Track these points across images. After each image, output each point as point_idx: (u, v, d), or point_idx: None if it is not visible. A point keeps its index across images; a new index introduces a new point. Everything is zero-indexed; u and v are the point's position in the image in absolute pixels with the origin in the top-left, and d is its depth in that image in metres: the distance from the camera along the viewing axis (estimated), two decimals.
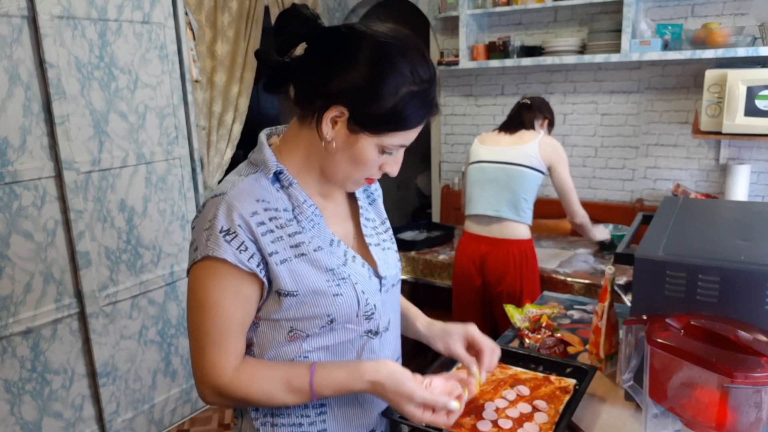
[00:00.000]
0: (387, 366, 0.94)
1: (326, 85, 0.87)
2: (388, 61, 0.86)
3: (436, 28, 3.68)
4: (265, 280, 0.91)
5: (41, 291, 2.24)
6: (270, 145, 0.98)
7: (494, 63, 3.27)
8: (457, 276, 2.57)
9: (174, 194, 2.69)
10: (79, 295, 2.36)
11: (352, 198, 1.08)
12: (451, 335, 1.09)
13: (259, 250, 0.89)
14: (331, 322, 0.94)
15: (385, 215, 1.13)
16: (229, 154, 3.36)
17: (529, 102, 2.46)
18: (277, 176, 0.94)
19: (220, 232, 0.87)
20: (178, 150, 2.68)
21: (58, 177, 2.23)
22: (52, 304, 2.28)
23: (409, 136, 0.92)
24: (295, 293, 0.91)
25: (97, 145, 2.35)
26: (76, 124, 2.27)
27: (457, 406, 0.93)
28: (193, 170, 2.77)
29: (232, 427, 2.83)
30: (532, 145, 2.34)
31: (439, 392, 0.94)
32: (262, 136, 0.99)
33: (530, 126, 2.41)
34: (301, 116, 0.94)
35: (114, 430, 2.55)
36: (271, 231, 0.90)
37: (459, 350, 1.08)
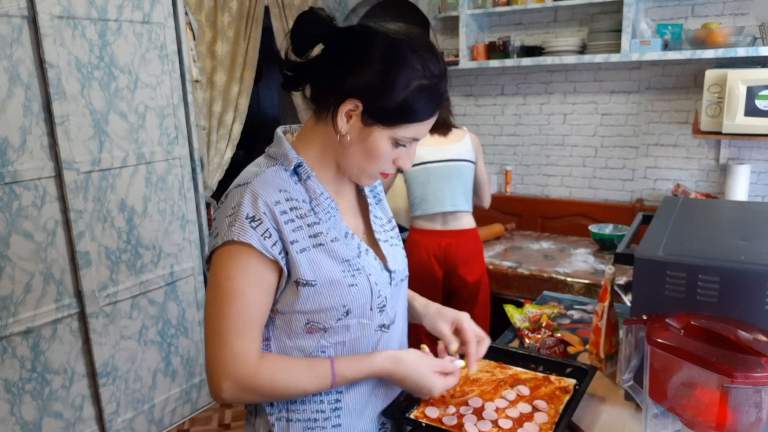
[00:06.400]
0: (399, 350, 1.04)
1: (342, 81, 0.91)
2: (400, 57, 0.90)
3: (436, 28, 3.68)
4: (285, 268, 0.93)
5: (41, 291, 2.24)
6: None
7: (494, 63, 3.27)
8: (415, 271, 2.56)
9: (174, 194, 2.69)
10: (79, 295, 2.36)
11: (360, 196, 1.11)
12: (443, 317, 1.13)
13: (281, 238, 0.92)
14: (347, 314, 0.97)
15: (391, 214, 1.17)
16: (229, 154, 3.36)
17: None
18: (295, 169, 0.97)
19: (246, 218, 0.90)
20: (178, 150, 2.68)
21: (58, 177, 2.23)
22: (52, 304, 2.28)
23: (420, 129, 0.95)
24: (313, 283, 0.94)
25: (97, 145, 2.35)
26: (76, 124, 2.27)
27: (462, 363, 1.06)
28: (193, 170, 2.77)
29: (232, 426, 2.84)
30: (467, 141, 2.50)
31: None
32: (279, 131, 1.02)
33: (452, 123, 2.53)
34: (317, 112, 0.97)
35: (114, 430, 2.55)
36: (292, 220, 0.93)
37: (444, 329, 1.12)
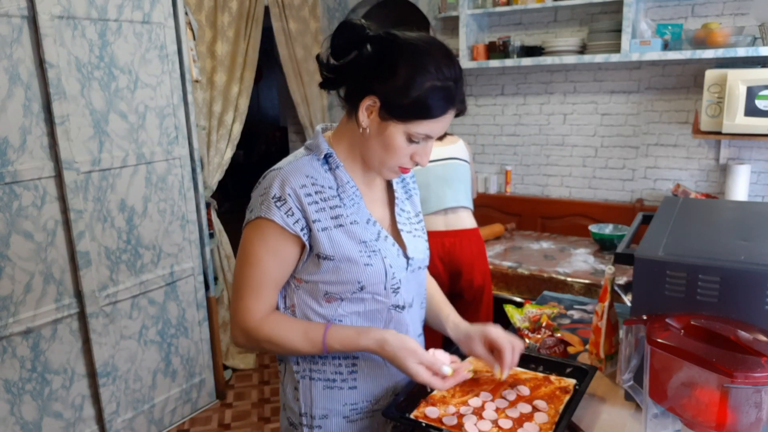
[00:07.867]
0: (393, 331, 1.09)
1: (365, 80, 1.04)
2: (416, 60, 1.01)
3: (436, 28, 3.68)
4: (307, 243, 1.07)
5: (41, 291, 2.24)
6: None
7: (494, 63, 3.27)
8: None
9: (174, 194, 2.69)
10: (79, 295, 2.36)
11: (390, 190, 1.23)
12: (472, 339, 1.19)
13: (305, 217, 1.06)
14: (362, 289, 1.10)
15: (419, 209, 1.29)
16: (229, 154, 3.35)
17: None
18: (326, 159, 1.11)
19: (273, 198, 1.05)
20: (178, 150, 2.68)
21: (58, 177, 2.24)
22: (52, 304, 2.28)
23: (433, 127, 1.05)
24: (332, 257, 1.07)
25: (97, 145, 2.35)
26: (76, 124, 2.27)
27: (449, 371, 1.08)
28: (193, 170, 2.77)
29: (232, 426, 2.84)
30: (461, 144, 2.56)
31: (440, 359, 1.09)
32: (319, 128, 1.16)
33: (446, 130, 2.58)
34: (348, 111, 1.10)
35: (114, 430, 2.55)
36: (316, 202, 1.07)
37: (480, 352, 1.18)
